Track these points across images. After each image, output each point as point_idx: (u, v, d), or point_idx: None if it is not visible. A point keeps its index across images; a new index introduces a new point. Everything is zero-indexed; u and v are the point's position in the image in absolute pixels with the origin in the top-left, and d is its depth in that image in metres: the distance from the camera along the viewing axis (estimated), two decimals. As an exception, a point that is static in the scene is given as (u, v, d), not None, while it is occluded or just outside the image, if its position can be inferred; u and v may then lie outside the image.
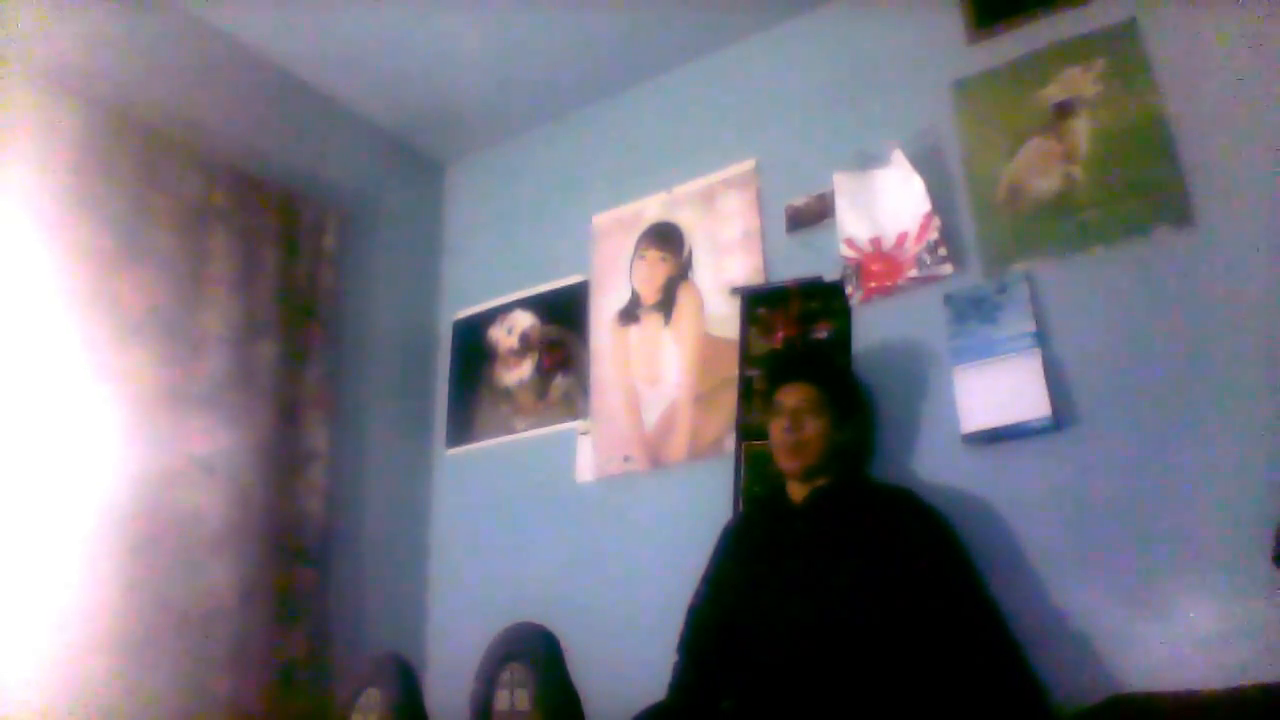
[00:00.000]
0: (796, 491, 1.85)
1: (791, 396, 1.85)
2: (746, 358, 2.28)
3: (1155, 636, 1.65)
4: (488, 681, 1.52)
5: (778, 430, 1.84)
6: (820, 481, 1.83)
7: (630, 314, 2.59)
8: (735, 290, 2.37)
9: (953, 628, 1.60)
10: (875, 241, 2.16)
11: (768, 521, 1.92)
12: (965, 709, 1.52)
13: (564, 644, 1.61)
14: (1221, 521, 1.65)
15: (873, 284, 2.14)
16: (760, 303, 2.31)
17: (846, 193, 2.21)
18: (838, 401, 1.86)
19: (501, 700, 1.49)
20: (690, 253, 2.52)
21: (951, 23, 2.22)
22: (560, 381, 2.66)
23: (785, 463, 1.83)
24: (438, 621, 2.65)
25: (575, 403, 2.60)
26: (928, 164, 2.13)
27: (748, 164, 2.48)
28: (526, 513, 2.56)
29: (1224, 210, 1.79)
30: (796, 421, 1.81)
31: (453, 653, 2.45)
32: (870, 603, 1.62)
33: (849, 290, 2.17)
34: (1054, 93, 2.04)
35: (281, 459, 2.28)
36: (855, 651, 1.58)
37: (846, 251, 2.18)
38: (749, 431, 2.20)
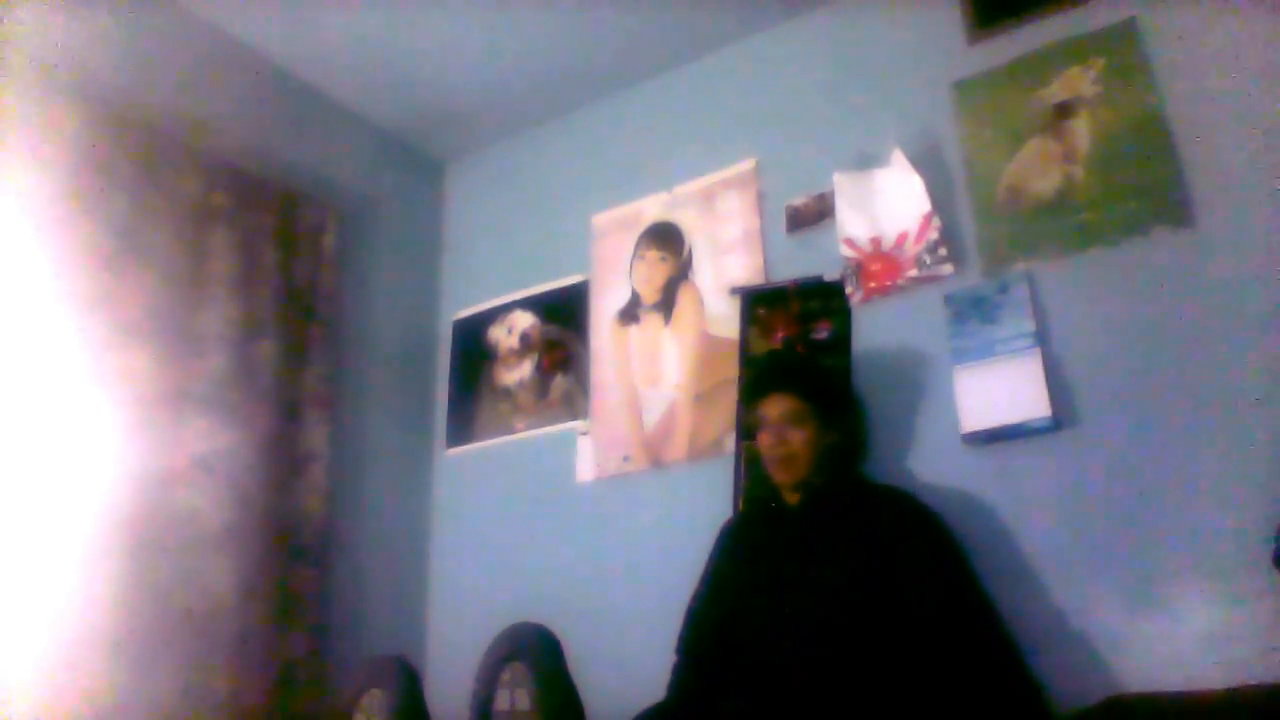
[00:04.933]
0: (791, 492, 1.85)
1: (773, 408, 1.83)
2: (746, 358, 2.28)
3: (1155, 636, 1.65)
4: (488, 681, 1.53)
5: (765, 444, 1.83)
6: (814, 483, 1.82)
7: (630, 314, 2.59)
8: (735, 290, 2.37)
9: (947, 628, 1.59)
10: (875, 241, 2.16)
11: (763, 521, 1.92)
12: (961, 708, 1.51)
13: (564, 644, 1.61)
14: (1221, 522, 1.65)
15: (873, 284, 2.14)
16: (760, 303, 2.31)
17: (846, 193, 2.21)
18: (820, 407, 1.83)
19: (502, 700, 1.50)
20: (690, 253, 2.52)
21: (951, 23, 2.22)
22: (560, 381, 2.66)
23: (778, 476, 1.83)
24: (438, 621, 2.65)
25: (575, 403, 2.60)
26: (928, 164, 2.13)
27: (748, 164, 2.48)
28: (526, 513, 2.56)
29: (1224, 210, 1.79)
30: (781, 434, 1.80)
31: (452, 653, 2.45)
32: (862, 603, 1.61)
33: (849, 290, 2.17)
34: (1054, 93, 2.04)
35: (281, 459, 2.27)
36: (846, 652, 1.58)
37: (846, 251, 2.18)
38: (749, 431, 2.19)
